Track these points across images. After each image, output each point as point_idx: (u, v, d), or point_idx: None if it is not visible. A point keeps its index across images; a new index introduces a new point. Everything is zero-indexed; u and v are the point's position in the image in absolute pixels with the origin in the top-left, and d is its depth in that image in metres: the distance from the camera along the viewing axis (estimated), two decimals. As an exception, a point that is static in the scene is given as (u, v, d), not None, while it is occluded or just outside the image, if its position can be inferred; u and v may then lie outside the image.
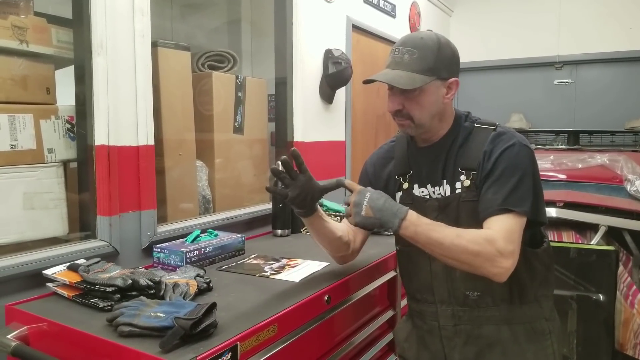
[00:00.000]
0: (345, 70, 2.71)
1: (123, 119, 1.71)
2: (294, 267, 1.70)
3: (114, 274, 1.42)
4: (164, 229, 1.88)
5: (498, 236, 1.23)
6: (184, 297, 1.35)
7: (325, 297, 1.47)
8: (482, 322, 1.37)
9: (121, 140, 1.70)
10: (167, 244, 1.76)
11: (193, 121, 2.17)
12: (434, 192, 1.40)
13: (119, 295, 1.33)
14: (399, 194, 1.48)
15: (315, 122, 2.74)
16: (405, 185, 1.45)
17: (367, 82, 1.39)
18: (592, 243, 2.67)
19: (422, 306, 1.46)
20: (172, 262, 1.68)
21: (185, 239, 1.80)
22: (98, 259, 1.52)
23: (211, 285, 1.47)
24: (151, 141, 1.79)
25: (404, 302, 2.00)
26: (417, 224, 1.27)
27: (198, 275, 1.51)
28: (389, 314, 1.94)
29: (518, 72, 4.75)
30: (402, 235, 1.28)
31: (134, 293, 1.35)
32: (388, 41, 3.61)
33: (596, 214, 2.81)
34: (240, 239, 1.88)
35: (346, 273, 1.62)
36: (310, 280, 1.56)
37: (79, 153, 1.74)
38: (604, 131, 4.32)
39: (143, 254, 1.79)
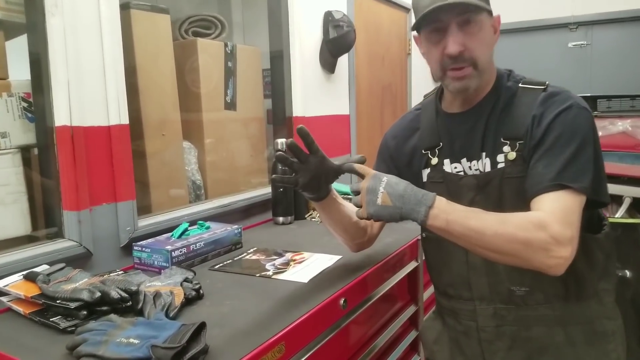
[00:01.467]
0: (347, 35, 2.41)
1: (89, 94, 1.42)
2: (300, 262, 1.43)
3: (80, 283, 1.16)
4: (146, 222, 1.61)
5: (552, 219, 0.98)
6: (167, 311, 1.08)
7: (341, 301, 1.21)
8: (530, 322, 1.13)
9: (87, 120, 1.42)
10: (149, 240, 1.49)
11: (177, 96, 1.88)
12: (470, 167, 1.15)
13: (85, 312, 1.07)
14: (426, 171, 1.23)
15: (316, 95, 2.45)
16: (434, 161, 1.21)
17: (426, 17, 1.08)
18: (616, 216, 2.48)
19: (456, 303, 1.22)
20: (156, 263, 1.41)
21: (171, 234, 1.53)
22: (62, 265, 1.26)
23: (202, 292, 1.21)
24: (125, 120, 1.51)
25: (426, 295, 1.75)
26: (449, 211, 1.02)
27: (186, 279, 1.25)
28: (411, 310, 1.69)
29: (529, 35, 4.41)
30: (430, 227, 1.03)
31: (104, 308, 1.09)
32: (395, 5, 3.30)
33: (619, 184, 2.61)
34: (236, 231, 1.61)
35: (362, 268, 1.36)
36: (321, 280, 1.30)
37: (39, 137, 1.46)
38: (623, 96, 4.01)
39: (122, 254, 1.52)
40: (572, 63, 4.33)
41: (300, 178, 1.14)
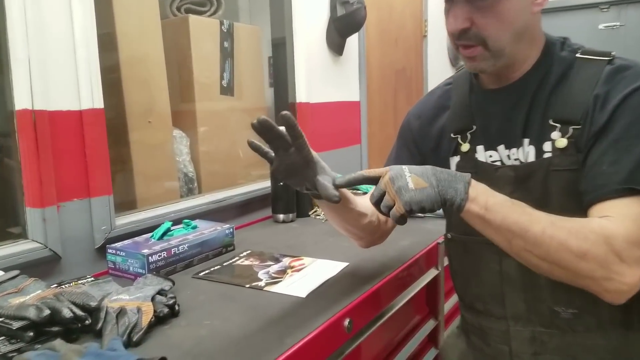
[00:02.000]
0: (357, 12, 2.18)
1: (55, 73, 1.23)
2: (299, 270, 1.23)
3: (30, 297, 0.97)
4: (126, 220, 1.42)
5: (619, 231, 0.77)
6: (130, 333, 0.90)
7: (346, 322, 1.00)
8: (577, 353, 0.93)
9: (54, 103, 1.23)
10: (126, 242, 1.30)
11: (165, 79, 1.68)
12: (509, 156, 0.95)
13: (32, 333, 0.88)
14: (454, 159, 1.03)
15: (323, 79, 2.23)
16: (465, 147, 1.01)
17: None
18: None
19: (485, 321, 1.03)
20: (132, 269, 1.22)
21: (151, 235, 1.34)
22: (16, 273, 1.07)
23: (177, 308, 1.02)
24: (99, 103, 1.31)
25: (447, 306, 1.54)
26: (489, 194, 0.83)
27: (161, 291, 1.06)
28: (430, 324, 1.48)
29: (556, 16, 4.10)
30: (466, 213, 0.83)
31: (54, 329, 0.90)
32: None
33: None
34: (227, 231, 1.41)
35: (372, 279, 1.16)
36: (323, 294, 1.10)
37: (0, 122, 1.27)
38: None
39: (98, 256, 1.34)
40: (603, 46, 4.05)
41: (275, 163, 0.92)
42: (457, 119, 1.04)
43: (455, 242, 1.07)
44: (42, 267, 1.22)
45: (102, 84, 1.32)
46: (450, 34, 0.93)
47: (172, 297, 1.04)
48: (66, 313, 0.90)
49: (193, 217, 1.55)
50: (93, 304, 0.94)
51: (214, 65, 1.87)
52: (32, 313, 0.88)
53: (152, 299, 1.02)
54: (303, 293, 1.09)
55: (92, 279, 1.19)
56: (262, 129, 0.86)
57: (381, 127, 2.80)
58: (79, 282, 1.17)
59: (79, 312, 0.91)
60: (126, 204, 1.56)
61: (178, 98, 1.78)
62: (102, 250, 1.32)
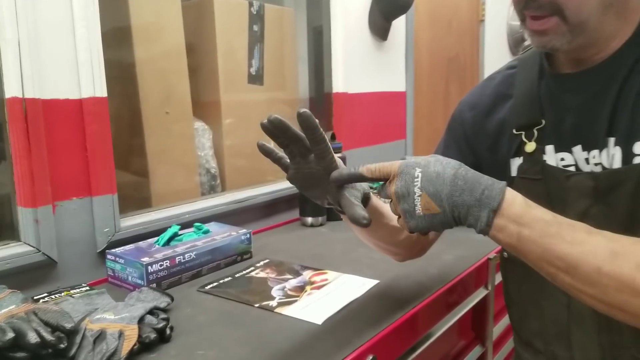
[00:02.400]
0: (404, -8, 1.97)
1: (50, 57, 1.09)
2: (319, 287, 1.06)
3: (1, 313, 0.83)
4: (133, 221, 1.28)
5: None
6: (105, 365, 0.74)
7: None
8: None
9: (48, 91, 1.09)
10: (128, 247, 1.16)
11: (185, 65, 1.53)
12: (587, 160, 0.75)
13: (-5, 360, 0.75)
14: (516, 161, 0.83)
15: (363, 66, 2.03)
16: (531, 147, 0.81)
17: None
18: None
19: None
20: (130, 279, 1.08)
21: (155, 240, 1.19)
22: (-7, 284, 0.94)
23: (168, 332, 0.86)
24: (102, 91, 1.17)
25: (496, 330, 1.32)
26: (524, 221, 0.62)
27: (153, 310, 0.90)
28: (476, 352, 1.27)
29: None
30: (492, 239, 0.65)
31: (18, 355, 0.76)
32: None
33: None
34: (243, 237, 1.25)
35: (407, 302, 0.97)
36: (343, 320, 0.91)
37: (-7, 112, 1.15)
38: None
39: (99, 262, 1.20)
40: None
41: (291, 170, 0.77)
42: (521, 111, 0.83)
43: (513, 263, 0.86)
44: (36, 272, 1.10)
45: (108, 69, 1.18)
46: (515, 2, 0.72)
47: (163, 319, 0.88)
48: (31, 337, 0.76)
49: (210, 219, 1.40)
50: (68, 325, 0.80)
51: (242, 52, 1.71)
52: (-6, 335, 0.75)
53: (141, 320, 0.87)
54: (319, 319, 0.91)
55: (87, 288, 1.06)
56: (274, 130, 0.71)
57: (429, 121, 2.57)
58: (72, 291, 1.04)
59: (48, 337, 0.77)
60: (140, 202, 1.43)
61: (200, 87, 1.63)
62: (104, 255, 1.19)
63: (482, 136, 0.89)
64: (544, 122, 0.80)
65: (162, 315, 0.89)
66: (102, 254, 1.19)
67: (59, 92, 1.11)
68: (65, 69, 1.12)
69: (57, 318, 0.81)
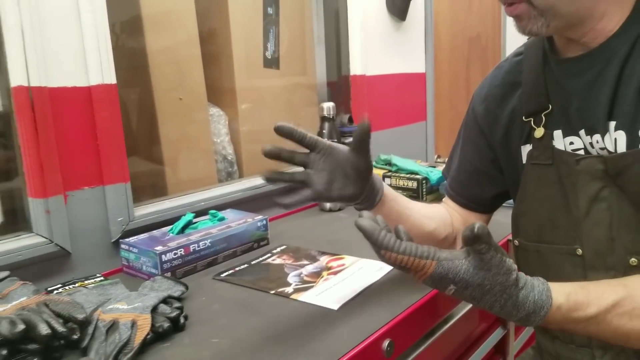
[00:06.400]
0: (422, -31, 1.90)
1: (55, 44, 1.07)
2: (336, 272, 1.02)
3: (10, 307, 0.82)
4: (147, 210, 1.26)
5: None
6: (118, 355, 0.72)
7: (385, 345, 0.78)
8: None
9: (55, 79, 1.07)
10: (142, 236, 1.14)
11: (198, 49, 1.50)
12: (591, 144, 0.75)
13: (5, 352, 0.74)
14: (526, 148, 0.82)
15: (382, 48, 1.97)
16: (539, 133, 0.80)
17: None
18: None
19: (565, 350, 0.84)
20: (144, 268, 1.06)
21: (169, 229, 1.17)
22: (5, 274, 0.94)
23: (182, 321, 0.83)
24: (111, 78, 1.14)
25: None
26: (564, 322, 0.65)
27: (167, 300, 0.88)
28: (498, 334, 1.22)
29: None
30: None
31: (30, 347, 0.74)
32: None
33: None
34: (259, 224, 1.22)
35: (424, 285, 0.92)
36: (359, 305, 0.88)
37: (3, 102, 1.14)
38: None
39: (114, 251, 1.18)
40: None
41: (315, 184, 0.77)
42: (529, 98, 0.82)
43: (526, 250, 0.84)
44: (50, 263, 1.09)
45: (120, 58, 1.16)
46: None
47: (177, 308, 0.85)
48: (42, 329, 0.74)
49: (227, 206, 1.37)
50: (80, 316, 0.79)
51: (257, 35, 1.67)
52: (3, 328, 0.73)
53: (154, 309, 0.84)
54: (335, 304, 0.87)
55: (102, 278, 1.04)
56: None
57: (451, 103, 2.50)
58: (86, 282, 1.02)
59: (59, 328, 0.75)
60: (155, 190, 1.41)
61: (215, 72, 1.59)
62: (118, 245, 1.17)
63: (496, 127, 0.89)
64: (550, 107, 0.79)
65: (176, 304, 0.87)
66: (117, 244, 1.17)
67: (66, 80, 1.09)
68: (72, 56, 1.10)
69: (69, 309, 0.79)
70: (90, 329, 0.79)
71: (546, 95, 0.80)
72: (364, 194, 0.79)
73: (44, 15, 1.05)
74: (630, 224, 0.71)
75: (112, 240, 1.18)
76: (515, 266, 0.63)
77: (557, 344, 0.84)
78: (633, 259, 0.70)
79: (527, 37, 0.87)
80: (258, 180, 1.52)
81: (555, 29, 0.73)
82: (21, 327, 0.74)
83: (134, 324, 0.80)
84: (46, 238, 1.08)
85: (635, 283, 0.67)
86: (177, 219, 1.23)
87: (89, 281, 1.03)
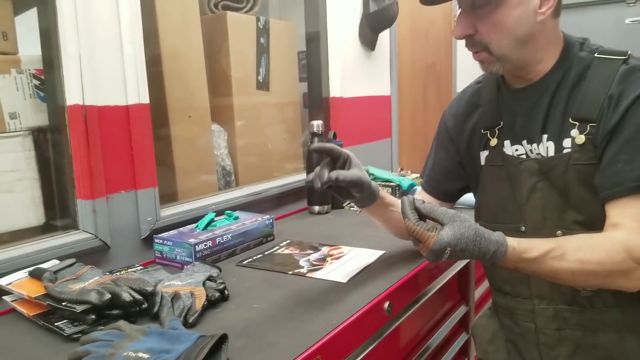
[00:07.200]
0: (389, 8, 2.20)
1: (103, 70, 1.28)
2: (338, 258, 1.27)
3: (89, 283, 1.02)
4: (170, 211, 1.47)
5: (637, 241, 0.86)
6: (186, 316, 0.94)
7: (386, 305, 1.04)
8: (597, 327, 1.01)
9: (102, 99, 1.28)
10: (172, 232, 1.35)
11: (204, 74, 1.72)
12: (531, 151, 1.02)
13: (94, 316, 0.93)
14: (484, 153, 1.10)
15: (356, 73, 2.26)
16: (494, 142, 1.08)
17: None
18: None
19: (513, 302, 1.10)
20: (178, 258, 1.27)
21: (195, 225, 1.38)
22: (72, 261, 1.12)
23: (226, 293, 1.06)
24: (145, 99, 1.36)
25: (477, 293, 1.57)
26: (519, 260, 0.89)
27: (210, 278, 1.10)
28: (462, 310, 1.51)
29: (580, 12, 4.05)
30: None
31: (114, 312, 0.95)
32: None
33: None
34: (267, 222, 1.45)
35: (408, 265, 1.19)
36: (362, 280, 1.13)
37: (51, 117, 1.33)
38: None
39: (143, 247, 1.39)
40: (631, 42, 3.96)
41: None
42: (486, 116, 1.11)
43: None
44: (92, 256, 1.27)
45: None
46: (457, 39, 1.01)
47: (221, 283, 1.08)
48: (126, 297, 0.95)
49: (232, 208, 1.59)
50: (149, 288, 0.99)
51: (251, 61, 1.91)
52: (94, 297, 0.93)
53: (203, 284, 1.06)
54: (344, 279, 1.12)
55: (141, 267, 1.24)
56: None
57: (411, 121, 2.81)
58: (129, 270, 1.22)
59: (137, 296, 0.96)
60: (168, 196, 1.61)
61: (216, 93, 1.82)
62: (147, 241, 1.38)
63: (461, 137, 1.16)
64: (502, 123, 1.07)
65: (220, 280, 1.09)
66: (146, 240, 1.38)
67: (110, 99, 1.30)
68: (115, 80, 1.31)
69: (139, 284, 1.00)
70: (158, 299, 1.00)
71: (499, 115, 1.08)
72: (365, 191, 1.06)
73: (95, 46, 1.26)
74: (557, 207, 0.98)
75: (142, 237, 1.38)
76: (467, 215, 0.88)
77: (507, 299, 1.10)
78: (559, 232, 0.98)
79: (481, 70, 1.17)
80: (257, 187, 1.76)
81: (508, 70, 1.01)
82: (108, 295, 0.94)
83: (192, 294, 1.01)
84: (92, 234, 1.27)
85: (562, 239, 0.92)
86: (194, 219, 1.45)
87: (131, 270, 1.23)
